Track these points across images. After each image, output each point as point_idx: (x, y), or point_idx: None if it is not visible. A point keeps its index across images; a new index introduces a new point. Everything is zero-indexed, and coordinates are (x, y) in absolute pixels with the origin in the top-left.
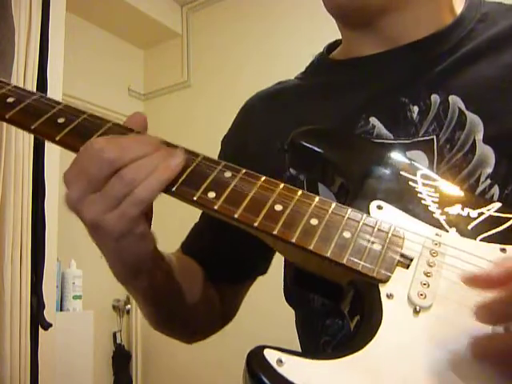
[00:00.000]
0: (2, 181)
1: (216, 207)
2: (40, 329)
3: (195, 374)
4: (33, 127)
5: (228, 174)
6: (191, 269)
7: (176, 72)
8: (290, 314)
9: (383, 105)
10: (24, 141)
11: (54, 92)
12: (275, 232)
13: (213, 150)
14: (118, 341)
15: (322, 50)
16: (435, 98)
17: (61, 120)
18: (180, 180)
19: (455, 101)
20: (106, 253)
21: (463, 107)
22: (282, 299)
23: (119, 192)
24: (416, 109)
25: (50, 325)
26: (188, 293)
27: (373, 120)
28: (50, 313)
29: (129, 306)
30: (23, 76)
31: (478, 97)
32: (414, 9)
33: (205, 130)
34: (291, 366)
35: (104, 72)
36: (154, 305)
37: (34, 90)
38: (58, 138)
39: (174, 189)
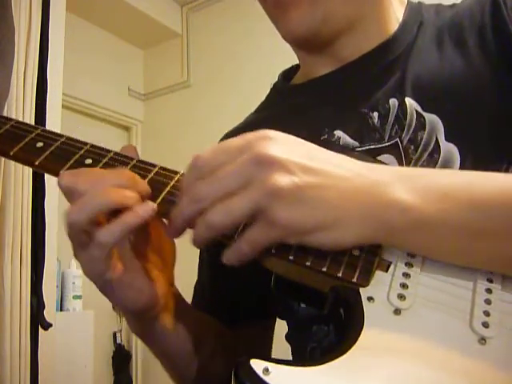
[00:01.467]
0: (1, 181)
1: None
2: (40, 329)
3: None
4: (12, 153)
5: None
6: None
7: (176, 72)
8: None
9: (345, 118)
10: None
11: (54, 92)
12: None
13: None
14: (118, 341)
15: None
16: (393, 102)
17: (39, 144)
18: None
19: (411, 103)
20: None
21: (420, 109)
22: None
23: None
24: (376, 114)
25: (50, 325)
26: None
27: (337, 132)
28: (50, 313)
29: None
30: (23, 76)
31: (432, 97)
32: (363, 26)
33: (205, 130)
34: (277, 374)
35: (104, 72)
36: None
37: (34, 90)
38: (37, 163)
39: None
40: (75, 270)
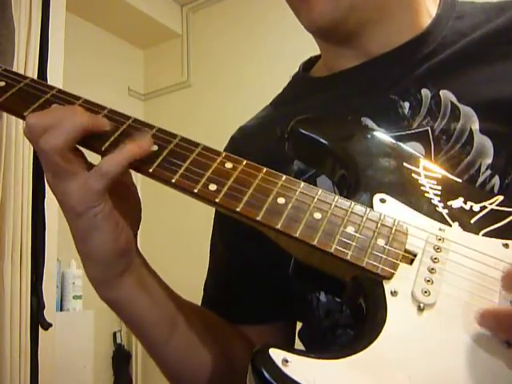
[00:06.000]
0: (1, 181)
1: (217, 200)
2: (40, 329)
3: None
4: (26, 113)
5: (229, 166)
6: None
7: (176, 72)
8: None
9: (373, 105)
10: (24, 141)
11: None
12: (278, 226)
13: None
14: (118, 341)
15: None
16: (426, 92)
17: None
18: (180, 172)
19: (447, 95)
20: (75, 239)
21: (455, 101)
22: None
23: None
24: (407, 104)
25: (50, 325)
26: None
27: (364, 120)
28: (50, 313)
29: None
30: None
31: (470, 90)
32: (392, 19)
33: (205, 130)
34: (297, 365)
35: (104, 72)
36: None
37: None
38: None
39: (173, 180)
40: (75, 270)
